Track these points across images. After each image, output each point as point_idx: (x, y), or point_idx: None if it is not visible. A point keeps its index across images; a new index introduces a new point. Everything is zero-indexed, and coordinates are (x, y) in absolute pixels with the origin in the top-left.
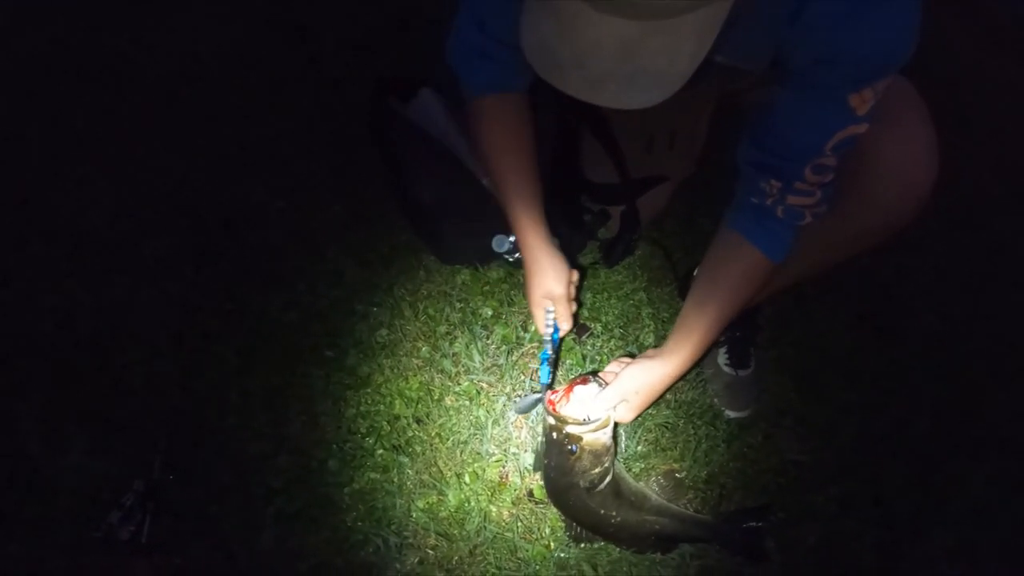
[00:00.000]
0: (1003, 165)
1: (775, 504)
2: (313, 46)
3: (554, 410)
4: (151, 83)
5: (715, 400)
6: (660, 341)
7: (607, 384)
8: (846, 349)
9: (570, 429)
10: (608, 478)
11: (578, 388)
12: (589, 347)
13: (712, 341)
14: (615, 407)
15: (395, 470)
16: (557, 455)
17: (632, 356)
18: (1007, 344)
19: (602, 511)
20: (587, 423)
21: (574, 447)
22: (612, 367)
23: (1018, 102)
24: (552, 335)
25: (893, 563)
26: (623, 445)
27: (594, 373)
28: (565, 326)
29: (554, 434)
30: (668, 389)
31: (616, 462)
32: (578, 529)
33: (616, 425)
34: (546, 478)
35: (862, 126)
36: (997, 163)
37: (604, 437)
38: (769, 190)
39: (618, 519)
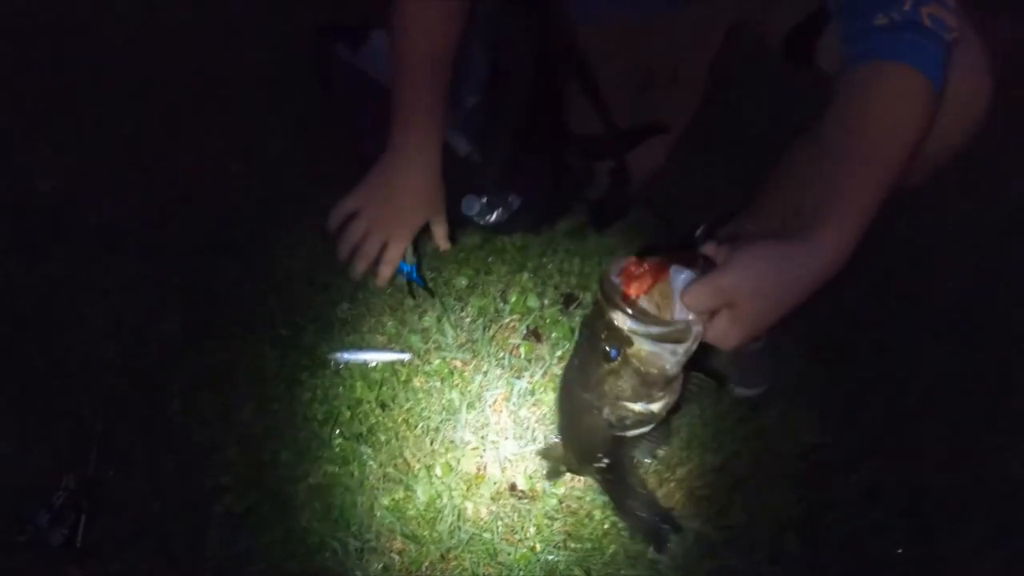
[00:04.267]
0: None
1: (798, 493)
2: None
3: (613, 280)
4: (103, 37)
5: (724, 377)
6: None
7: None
8: (869, 318)
9: (620, 320)
10: (646, 430)
11: (674, 271)
12: (577, 319)
13: (873, 217)
14: (711, 314)
15: (356, 462)
16: (588, 351)
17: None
18: None
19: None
20: (651, 321)
21: (615, 351)
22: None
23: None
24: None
25: (927, 555)
26: None
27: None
28: (446, 245)
29: (597, 318)
30: (806, 299)
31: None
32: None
33: (706, 349)
34: (563, 378)
35: None
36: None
37: (669, 357)
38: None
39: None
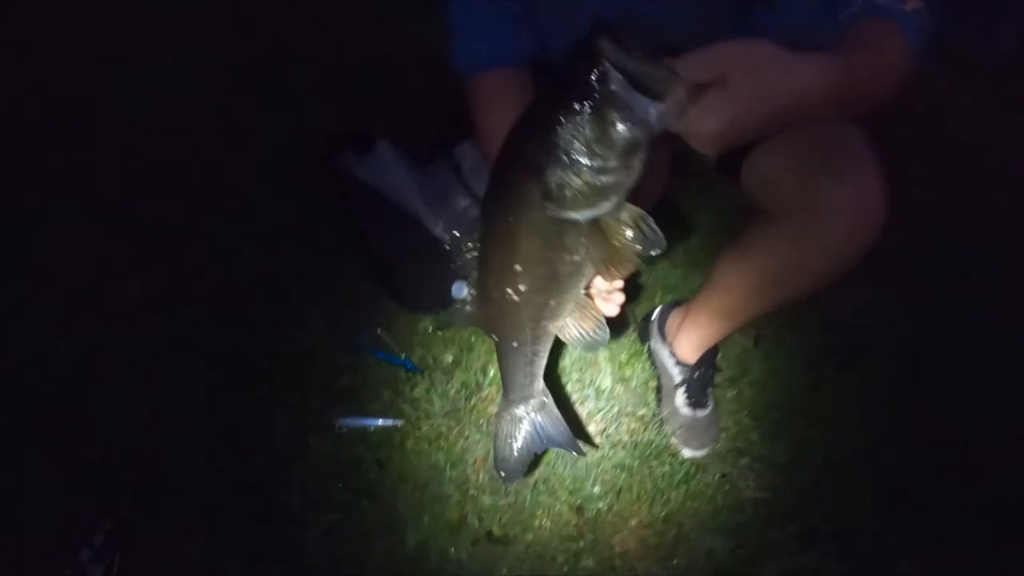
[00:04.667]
0: (963, 193)
1: (735, 540)
2: (285, 95)
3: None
4: (125, 126)
5: (673, 440)
6: (619, 384)
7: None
8: (806, 386)
9: (608, 49)
10: (598, 211)
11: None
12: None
13: (842, 90)
14: (693, 91)
15: (356, 512)
16: (553, 96)
17: None
18: (969, 372)
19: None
20: (637, 58)
21: (586, 103)
22: None
23: (983, 132)
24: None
25: None
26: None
27: None
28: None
29: (580, 55)
30: (782, 112)
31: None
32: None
33: (684, 152)
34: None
35: None
36: (958, 191)
37: (640, 114)
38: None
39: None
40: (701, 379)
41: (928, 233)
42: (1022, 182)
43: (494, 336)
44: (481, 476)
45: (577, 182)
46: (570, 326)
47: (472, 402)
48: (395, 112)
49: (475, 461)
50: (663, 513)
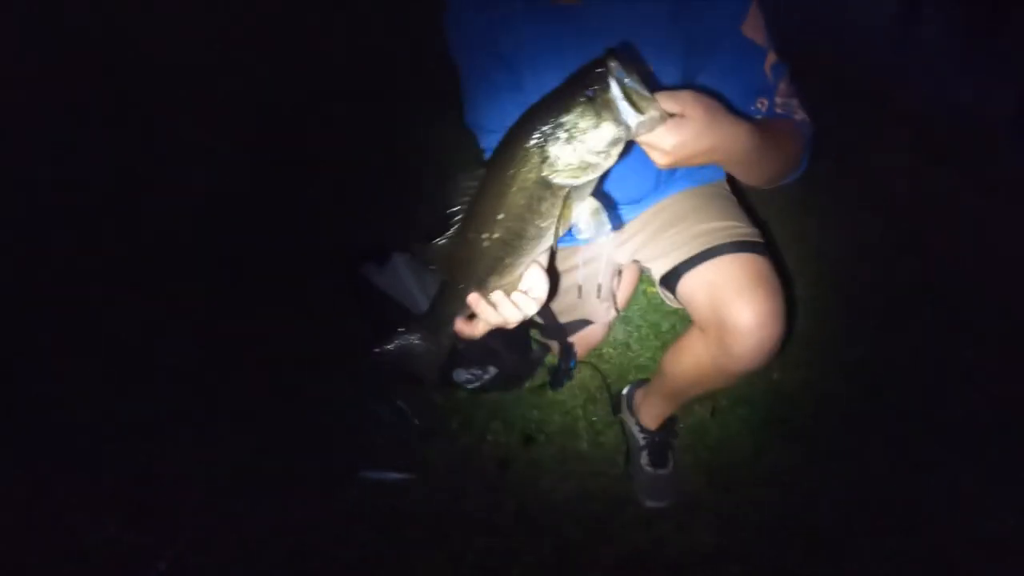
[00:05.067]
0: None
1: None
2: (312, 216)
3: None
4: (172, 222)
5: (637, 494)
6: (594, 450)
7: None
8: (754, 451)
9: (613, 67)
10: (577, 182)
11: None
12: (533, 455)
13: (758, 155)
14: (664, 115)
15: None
16: (563, 94)
17: None
18: (903, 441)
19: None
20: (635, 79)
21: (591, 90)
22: None
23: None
24: None
25: None
26: None
27: None
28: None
29: (591, 70)
30: (717, 151)
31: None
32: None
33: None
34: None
35: (772, 54)
36: (900, 273)
37: (625, 117)
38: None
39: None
40: (661, 443)
41: (873, 316)
42: (962, 255)
43: (446, 275)
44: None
45: (570, 155)
46: (503, 292)
47: (472, 463)
48: (408, 220)
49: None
50: (624, 553)
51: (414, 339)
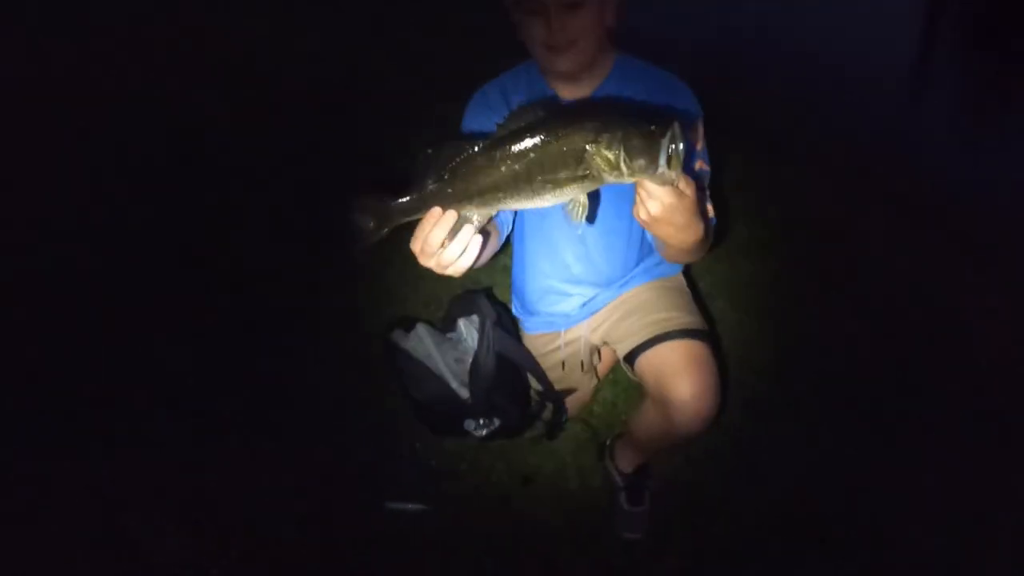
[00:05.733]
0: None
1: None
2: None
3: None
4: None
5: (617, 527)
6: (583, 490)
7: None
8: (715, 496)
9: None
10: (592, 174)
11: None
12: (531, 493)
13: (697, 250)
14: (675, 181)
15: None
16: (633, 115)
17: None
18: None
19: None
20: (678, 151)
21: (650, 132)
22: None
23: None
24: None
25: None
26: None
27: None
28: None
29: (660, 117)
30: (685, 231)
31: None
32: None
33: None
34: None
35: (701, 160)
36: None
37: (657, 166)
38: None
39: None
40: (637, 485)
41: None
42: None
43: (441, 207)
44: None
45: (613, 149)
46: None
47: (477, 504)
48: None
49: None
50: (607, 573)
51: (371, 219)
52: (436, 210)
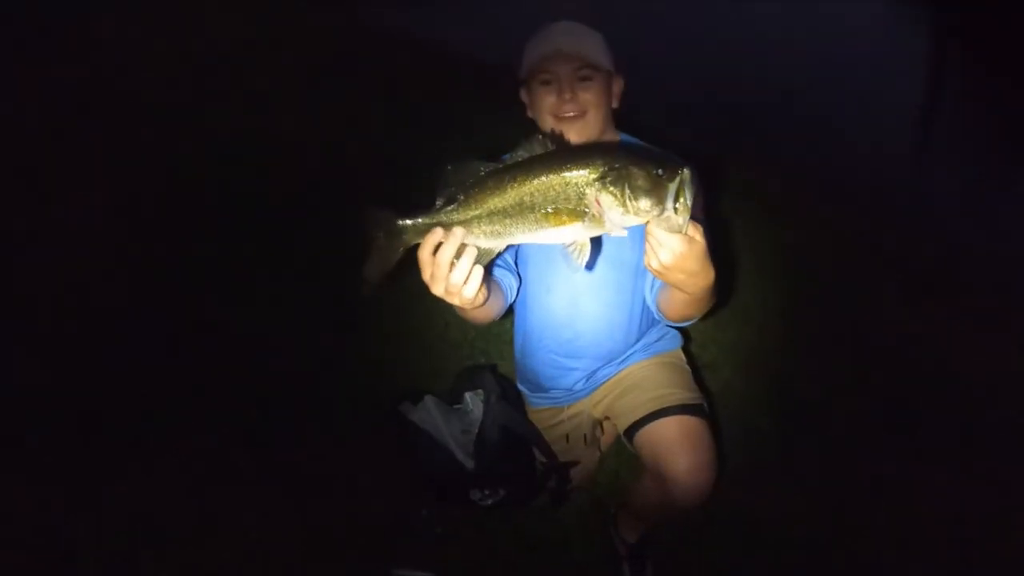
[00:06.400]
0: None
1: None
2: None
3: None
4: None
5: None
6: (587, 558)
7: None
8: (719, 566)
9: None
10: (590, 214)
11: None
12: (536, 561)
13: (705, 301)
14: (685, 229)
15: None
16: (646, 155)
17: None
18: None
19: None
20: (687, 198)
21: (660, 174)
22: None
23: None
24: None
25: None
26: None
27: None
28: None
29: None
30: (696, 278)
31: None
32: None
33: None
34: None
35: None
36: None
37: (665, 212)
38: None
39: None
40: (639, 554)
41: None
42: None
43: (444, 226)
44: None
45: (618, 189)
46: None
47: (486, 564)
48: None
49: None
50: None
51: (380, 232)
52: (439, 231)
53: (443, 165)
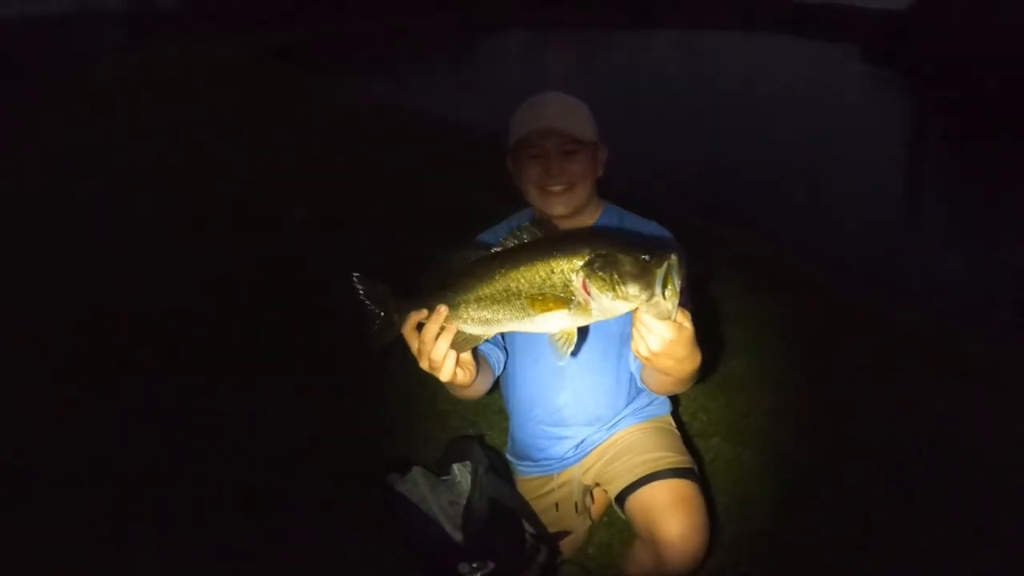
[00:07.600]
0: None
1: None
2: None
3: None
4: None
5: None
6: None
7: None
8: None
9: (669, 263)
10: (579, 301)
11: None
12: None
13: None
14: (673, 315)
15: None
16: (634, 242)
17: None
18: None
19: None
20: (676, 284)
21: (647, 260)
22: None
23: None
24: None
25: None
26: None
27: None
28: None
29: (661, 249)
30: (677, 365)
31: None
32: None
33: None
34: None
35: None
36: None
37: (653, 297)
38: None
39: None
40: None
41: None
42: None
43: (430, 308)
44: None
45: (604, 274)
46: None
47: None
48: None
49: None
50: None
51: (376, 306)
52: (423, 311)
53: (434, 253)
